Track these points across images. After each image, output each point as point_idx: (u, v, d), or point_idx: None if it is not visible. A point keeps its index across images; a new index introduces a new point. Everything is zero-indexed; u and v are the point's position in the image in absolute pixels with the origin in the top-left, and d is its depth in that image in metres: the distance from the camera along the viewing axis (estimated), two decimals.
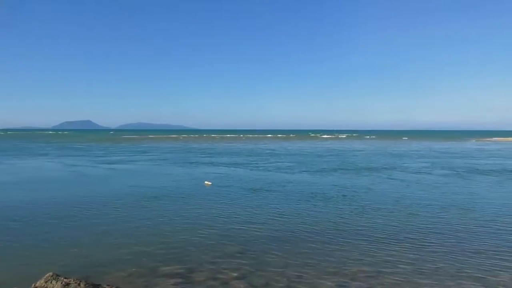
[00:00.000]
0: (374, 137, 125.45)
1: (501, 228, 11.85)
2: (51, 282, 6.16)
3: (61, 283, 6.15)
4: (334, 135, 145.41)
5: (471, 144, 72.03)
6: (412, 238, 10.73)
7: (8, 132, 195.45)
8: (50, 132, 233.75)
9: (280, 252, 9.56)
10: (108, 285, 6.56)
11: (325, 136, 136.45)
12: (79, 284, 6.18)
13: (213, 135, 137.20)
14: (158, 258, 9.06)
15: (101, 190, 19.09)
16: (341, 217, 13.21)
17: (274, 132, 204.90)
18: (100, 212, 14.02)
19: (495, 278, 7.88)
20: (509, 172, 26.93)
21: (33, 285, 6.23)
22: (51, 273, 6.40)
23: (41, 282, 6.22)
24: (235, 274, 8.10)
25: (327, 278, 7.89)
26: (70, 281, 6.23)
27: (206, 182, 21.23)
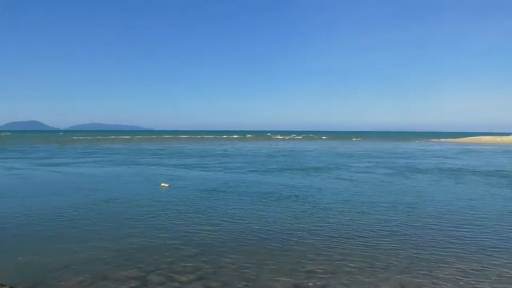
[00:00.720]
0: (325, 137, 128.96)
1: (444, 223, 12.64)
2: None
3: None
4: (289, 135, 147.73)
5: (416, 145, 75.85)
6: (364, 236, 11.17)
7: None
8: None
9: (237, 253, 9.61)
10: None
11: (279, 136, 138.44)
12: None
13: (166, 136, 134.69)
14: (111, 263, 8.79)
15: (44, 194, 18.13)
16: (295, 217, 13.47)
17: (229, 132, 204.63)
18: (45, 218, 13.31)
19: (442, 272, 8.40)
20: (446, 171, 28.75)
21: None
22: None
23: None
24: (192, 276, 8.05)
25: (283, 277, 8.05)
26: None
27: (162, 184, 20.86)
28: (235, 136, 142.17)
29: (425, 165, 33.10)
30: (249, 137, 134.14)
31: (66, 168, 29.57)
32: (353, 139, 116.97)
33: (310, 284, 7.78)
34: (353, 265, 8.81)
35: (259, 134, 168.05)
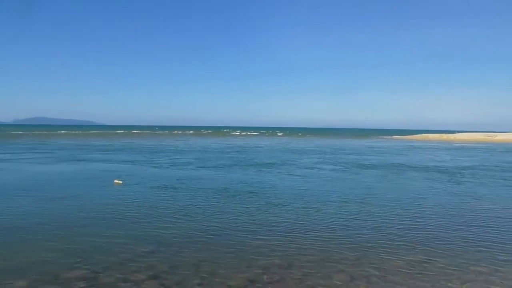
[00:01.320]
0: (280, 134, 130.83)
1: (392, 217, 13.29)
2: None
3: None
4: (246, 132, 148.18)
5: (366, 142, 78.47)
6: (317, 231, 11.51)
7: None
8: None
9: (192, 250, 9.59)
10: None
11: (236, 132, 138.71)
12: None
13: (118, 131, 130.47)
14: (61, 264, 8.47)
15: None
16: (249, 213, 13.61)
17: (184, 128, 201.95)
18: None
19: (391, 263, 8.86)
20: (390, 166, 30.22)
21: None
22: None
23: None
24: (146, 275, 7.93)
25: (239, 273, 8.15)
26: None
27: (116, 181, 20.25)
28: (190, 132, 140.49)
29: (372, 161, 34.56)
30: (205, 133, 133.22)
31: (3, 165, 27.88)
32: (307, 135, 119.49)
33: (266, 278, 7.94)
34: (307, 259, 9.08)
35: (217, 130, 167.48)
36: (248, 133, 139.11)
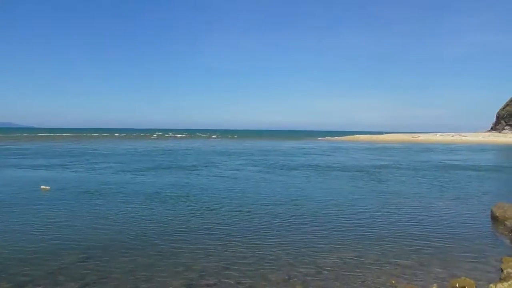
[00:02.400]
0: (215, 136, 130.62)
1: (323, 216, 13.92)
2: None
3: None
4: (179, 134, 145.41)
5: (295, 143, 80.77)
6: (252, 232, 11.73)
7: None
8: None
9: (126, 257, 9.33)
10: None
11: (168, 134, 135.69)
12: None
13: (41, 134, 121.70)
14: None
15: None
16: (183, 218, 13.43)
17: (112, 131, 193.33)
18: None
19: (325, 261, 9.29)
20: (316, 167, 31.48)
21: None
22: None
23: None
24: (77, 284, 7.58)
25: (176, 278, 8.08)
26: None
27: (42, 187, 18.99)
28: (116, 134, 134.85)
29: (298, 162, 35.79)
30: (134, 135, 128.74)
31: None
32: (241, 137, 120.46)
33: (203, 282, 7.95)
34: (243, 261, 9.22)
35: (149, 133, 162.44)
36: (179, 135, 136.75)
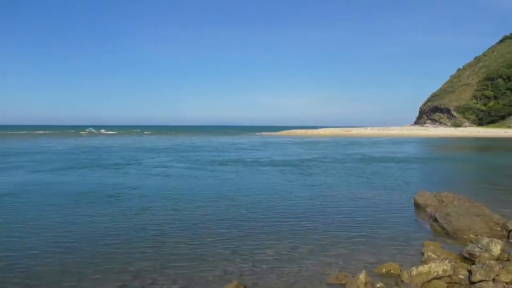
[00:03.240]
0: (148, 132, 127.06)
1: (259, 211, 14.17)
2: None
3: None
4: (109, 131, 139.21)
5: (228, 139, 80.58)
6: (190, 231, 11.69)
7: None
8: None
9: (52, 262, 8.91)
10: None
11: (94, 131, 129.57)
12: None
13: None
14: None
15: None
16: (115, 219, 12.99)
17: (31, 128, 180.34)
18: None
19: (260, 255, 9.52)
20: (244, 162, 32.02)
21: None
22: None
23: None
24: None
25: (109, 281, 7.87)
26: None
27: None
28: (40, 132, 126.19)
29: (229, 158, 36.11)
30: (57, 133, 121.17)
31: None
32: (178, 133, 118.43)
33: (137, 283, 7.81)
34: (180, 259, 9.19)
35: (77, 129, 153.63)
36: (111, 131, 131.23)
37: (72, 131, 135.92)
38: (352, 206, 15.28)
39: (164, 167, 28.27)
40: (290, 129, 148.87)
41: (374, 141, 70.44)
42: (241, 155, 39.77)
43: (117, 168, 27.03)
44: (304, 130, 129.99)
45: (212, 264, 8.90)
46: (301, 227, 12.10)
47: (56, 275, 8.14)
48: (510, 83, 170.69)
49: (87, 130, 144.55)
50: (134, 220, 12.90)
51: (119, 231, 11.58)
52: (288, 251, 9.77)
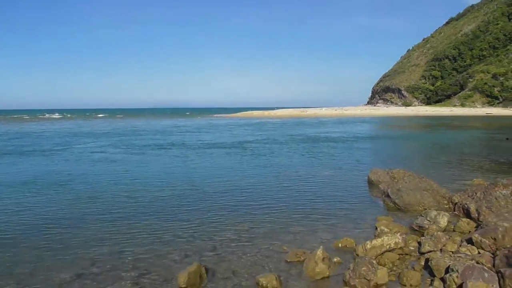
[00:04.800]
0: (101, 115, 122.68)
1: (216, 194, 14.16)
2: None
3: None
4: (45, 115, 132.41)
5: (177, 121, 79.93)
6: (147, 215, 11.56)
7: None
8: None
9: (5, 253, 8.56)
10: None
11: (43, 116, 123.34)
12: None
13: None
14: None
15: None
16: (64, 207, 12.46)
17: None
18: None
19: (220, 236, 9.61)
20: (189, 145, 31.46)
21: None
22: None
23: None
24: None
25: (64, 270, 7.67)
26: None
27: None
28: None
29: (173, 141, 35.33)
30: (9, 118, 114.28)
31: None
32: (118, 116, 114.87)
33: (95, 270, 7.66)
34: (138, 243, 9.11)
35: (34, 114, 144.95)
36: (55, 115, 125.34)
37: (26, 116, 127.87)
38: (308, 185, 15.65)
39: (104, 152, 27.15)
40: (249, 110, 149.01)
41: (321, 121, 72.02)
42: (185, 138, 39.00)
43: (54, 155, 25.71)
44: (261, 111, 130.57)
45: (171, 247, 8.87)
46: (259, 207, 12.26)
47: (9, 266, 7.84)
48: (455, 63, 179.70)
49: (40, 115, 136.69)
50: (85, 207, 12.48)
51: (71, 219, 11.19)
52: (247, 231, 9.92)
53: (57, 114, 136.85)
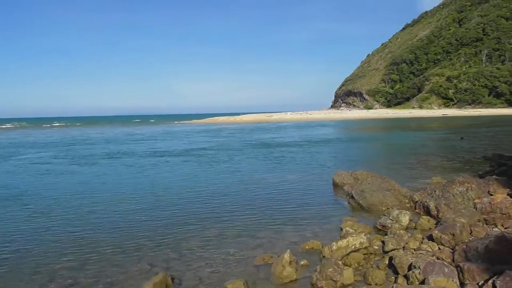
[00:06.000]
0: (57, 124, 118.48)
1: (178, 202, 13.92)
2: None
3: None
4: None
5: (134, 129, 76.41)
6: (108, 226, 11.22)
7: None
8: None
9: None
10: None
11: None
12: None
13: None
14: None
15: None
16: (19, 221, 11.92)
17: None
18: None
19: (188, 243, 9.47)
20: (145, 154, 30.05)
21: None
22: None
23: None
24: None
25: (20, 285, 7.27)
26: None
27: None
28: None
29: (124, 149, 33.73)
30: None
31: None
32: (54, 123, 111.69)
33: (54, 285, 7.35)
34: (101, 256, 8.80)
35: None
36: (5, 125, 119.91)
37: None
38: (273, 190, 15.64)
39: (50, 163, 25.71)
40: (216, 116, 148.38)
41: (281, 126, 72.14)
42: (138, 146, 36.95)
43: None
44: (227, 117, 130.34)
45: (136, 257, 8.63)
46: (225, 213, 12.16)
47: None
48: (412, 67, 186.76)
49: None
50: (41, 221, 11.88)
51: (27, 234, 10.65)
52: (214, 238, 9.80)
53: (8, 124, 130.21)
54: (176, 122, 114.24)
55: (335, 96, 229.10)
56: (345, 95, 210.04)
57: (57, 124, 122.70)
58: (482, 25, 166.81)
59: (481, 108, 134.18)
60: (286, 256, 7.53)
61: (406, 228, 9.72)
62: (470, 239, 7.96)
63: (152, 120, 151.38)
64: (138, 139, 48.31)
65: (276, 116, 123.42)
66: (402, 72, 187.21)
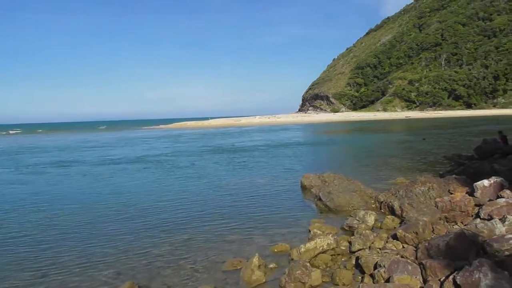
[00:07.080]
0: (17, 131, 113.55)
1: (145, 209, 13.72)
2: None
3: None
4: None
5: (87, 136, 73.19)
6: (73, 236, 10.90)
7: None
8: None
9: None
10: None
11: None
12: None
13: None
14: None
15: None
16: None
17: None
18: None
19: (156, 249, 9.32)
20: (100, 162, 28.68)
21: None
22: None
23: None
24: None
25: None
26: None
27: None
28: None
29: (78, 157, 32.33)
30: None
31: None
32: (38, 131, 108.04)
33: None
34: (66, 266, 8.53)
35: None
36: None
37: None
38: (241, 194, 15.62)
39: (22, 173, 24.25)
40: (185, 121, 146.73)
41: (245, 131, 71.26)
42: (93, 154, 35.23)
43: None
44: (195, 122, 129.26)
45: (102, 267, 8.40)
46: (193, 219, 12.02)
47: None
48: (376, 71, 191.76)
49: None
50: (6, 228, 11.52)
51: None
52: (182, 244, 9.68)
53: None
54: (144, 128, 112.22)
55: (303, 100, 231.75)
56: (312, 99, 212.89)
57: (14, 132, 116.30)
58: (440, 30, 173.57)
59: (441, 110, 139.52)
60: (255, 260, 7.54)
61: (372, 228, 9.94)
62: (432, 237, 8.23)
63: (106, 127, 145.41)
64: (92, 146, 45.65)
65: (244, 120, 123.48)
66: (367, 76, 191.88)
